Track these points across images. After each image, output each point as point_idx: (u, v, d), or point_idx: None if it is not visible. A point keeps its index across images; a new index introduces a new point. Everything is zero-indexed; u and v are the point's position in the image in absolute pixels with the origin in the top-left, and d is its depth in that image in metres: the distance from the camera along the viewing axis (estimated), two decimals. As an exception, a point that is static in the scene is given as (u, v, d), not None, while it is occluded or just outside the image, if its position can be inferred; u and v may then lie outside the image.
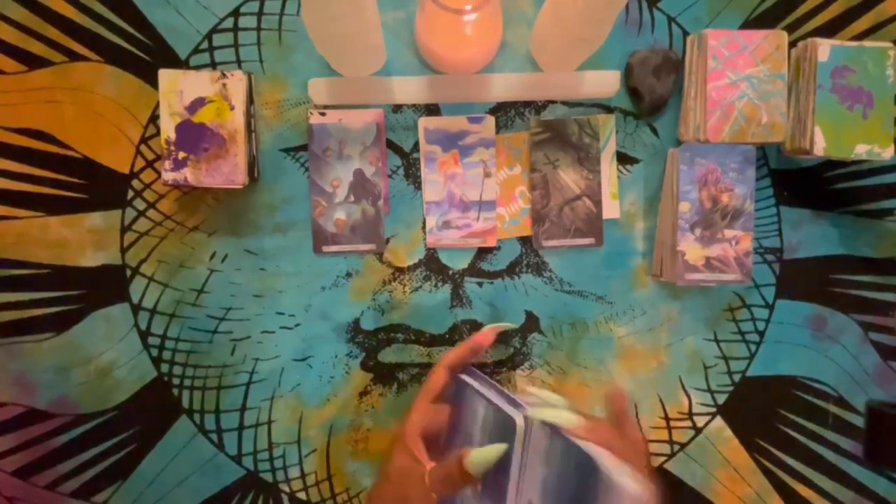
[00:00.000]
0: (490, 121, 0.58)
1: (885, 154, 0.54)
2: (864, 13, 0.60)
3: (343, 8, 0.44)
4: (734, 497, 0.62)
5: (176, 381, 0.59)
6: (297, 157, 0.59)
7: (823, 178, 0.61)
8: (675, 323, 0.61)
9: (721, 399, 0.61)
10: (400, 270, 0.59)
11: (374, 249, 0.59)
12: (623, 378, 0.61)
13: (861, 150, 0.54)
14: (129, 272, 0.58)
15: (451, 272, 0.60)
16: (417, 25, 0.53)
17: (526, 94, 0.58)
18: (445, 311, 0.60)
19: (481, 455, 0.40)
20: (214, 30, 0.57)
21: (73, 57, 0.57)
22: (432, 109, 0.59)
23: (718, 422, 0.61)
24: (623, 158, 0.60)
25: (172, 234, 0.58)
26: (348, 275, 0.59)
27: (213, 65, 0.58)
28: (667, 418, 0.61)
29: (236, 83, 0.54)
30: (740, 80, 0.55)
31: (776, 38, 0.55)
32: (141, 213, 0.58)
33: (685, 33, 0.59)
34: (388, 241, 0.59)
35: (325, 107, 0.58)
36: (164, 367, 0.59)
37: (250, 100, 0.56)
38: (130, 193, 0.58)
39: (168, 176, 0.54)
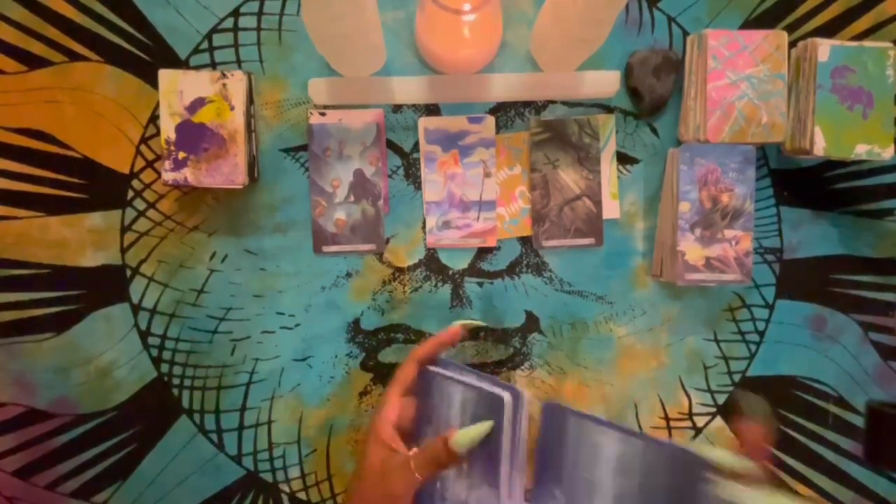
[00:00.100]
0: (490, 121, 0.58)
1: (885, 154, 0.54)
2: (864, 13, 0.60)
3: (343, 8, 0.44)
4: (734, 497, 0.62)
5: (176, 381, 0.59)
6: (297, 157, 0.59)
7: (823, 178, 0.61)
8: (675, 323, 0.61)
9: (721, 399, 0.61)
10: (400, 270, 0.59)
11: (374, 249, 0.59)
12: (623, 378, 0.61)
13: (861, 150, 0.54)
14: (129, 272, 0.58)
15: (451, 272, 0.60)
16: (417, 25, 0.53)
17: (526, 94, 0.58)
18: (445, 311, 0.60)
19: (467, 434, 0.42)
20: (214, 30, 0.57)
21: (73, 57, 0.57)
22: (432, 109, 0.59)
23: (718, 422, 0.61)
24: (623, 158, 0.60)
25: (172, 234, 0.58)
26: (348, 275, 0.59)
27: (213, 65, 0.58)
28: (667, 418, 0.61)
29: (236, 83, 0.54)
30: (740, 80, 0.55)
31: (776, 38, 0.55)
32: (141, 213, 0.58)
33: (685, 33, 0.59)
34: (388, 241, 0.59)
35: (325, 107, 0.58)
36: (164, 367, 0.59)
37: (250, 100, 0.56)
38: (130, 193, 0.58)
39: (168, 176, 0.54)
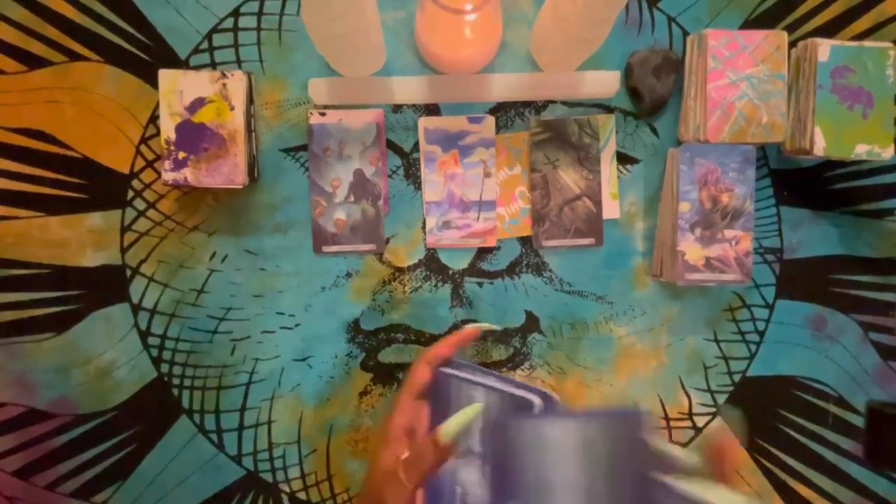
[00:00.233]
0: (490, 121, 0.58)
1: (885, 154, 0.54)
2: (864, 13, 0.60)
3: (343, 8, 0.44)
4: (734, 497, 0.62)
5: (176, 381, 0.59)
6: (297, 157, 0.59)
7: (823, 178, 0.61)
8: (675, 323, 0.61)
9: (721, 399, 0.61)
10: (400, 270, 0.59)
11: (374, 249, 0.59)
12: (623, 378, 0.61)
13: (861, 150, 0.54)
14: (129, 272, 0.58)
15: (451, 272, 0.60)
16: (417, 25, 0.53)
17: (526, 94, 0.58)
18: (445, 311, 0.60)
19: (455, 422, 0.40)
20: (214, 30, 0.57)
21: (73, 57, 0.57)
22: (432, 109, 0.59)
23: (718, 422, 0.61)
24: (623, 158, 0.60)
25: (172, 234, 0.58)
26: (348, 275, 0.59)
27: (213, 65, 0.58)
28: (667, 418, 0.61)
29: (236, 83, 0.54)
30: (740, 80, 0.55)
31: (776, 38, 0.55)
32: (141, 213, 0.58)
33: (685, 33, 0.59)
34: (388, 241, 0.59)
35: (325, 107, 0.58)
36: (164, 367, 0.59)
37: (250, 100, 0.56)
38: (130, 193, 0.58)
39: (168, 176, 0.54)
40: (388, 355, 0.60)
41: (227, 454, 0.60)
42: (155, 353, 0.59)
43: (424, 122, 0.58)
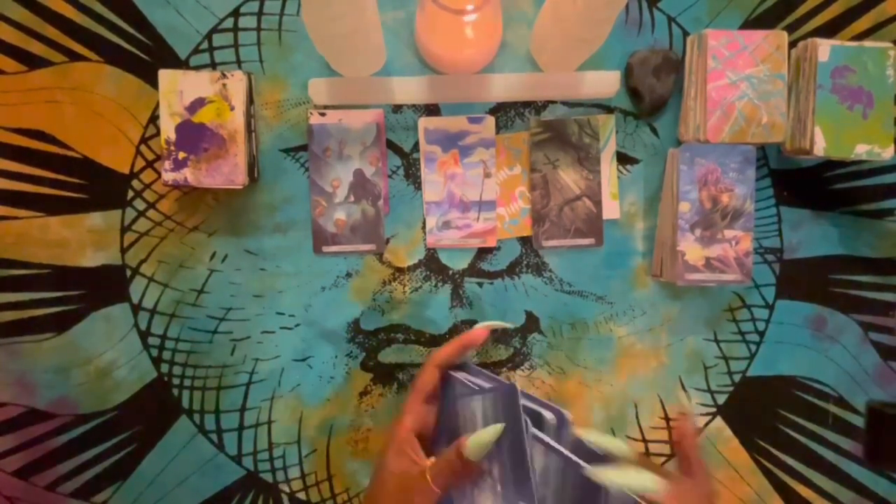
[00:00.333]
0: (490, 121, 0.58)
1: (885, 154, 0.54)
2: (864, 13, 0.60)
3: (343, 8, 0.44)
4: (734, 497, 0.62)
5: (176, 381, 0.59)
6: (297, 157, 0.59)
7: (823, 178, 0.61)
8: (675, 323, 0.61)
9: (721, 399, 0.61)
10: (400, 270, 0.59)
11: (374, 249, 0.59)
12: (623, 378, 0.61)
13: (861, 150, 0.54)
14: (129, 272, 0.58)
15: (451, 272, 0.60)
16: (417, 25, 0.53)
17: (526, 94, 0.58)
18: (445, 311, 0.60)
19: (478, 439, 0.41)
20: (214, 30, 0.57)
21: (73, 57, 0.57)
22: (432, 109, 0.59)
23: (718, 422, 0.61)
24: (623, 158, 0.60)
25: (172, 234, 0.58)
26: (348, 275, 0.59)
27: (213, 65, 0.58)
28: (667, 418, 0.61)
29: (236, 83, 0.54)
30: (740, 80, 0.55)
31: (776, 38, 0.55)
32: (141, 214, 0.58)
33: (685, 33, 0.59)
34: (388, 241, 0.59)
35: (325, 107, 0.58)
36: (164, 368, 0.59)
37: (250, 100, 0.56)
38: (130, 193, 0.58)
39: (168, 176, 0.54)
40: (388, 355, 0.60)
41: (227, 454, 0.60)
42: (155, 353, 0.59)
43: (424, 122, 0.58)
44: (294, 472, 0.60)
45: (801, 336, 0.61)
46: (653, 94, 0.58)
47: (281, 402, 0.59)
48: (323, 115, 0.58)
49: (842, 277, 0.61)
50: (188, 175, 0.54)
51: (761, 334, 0.61)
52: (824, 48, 0.54)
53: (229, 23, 0.57)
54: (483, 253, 0.60)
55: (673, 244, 0.56)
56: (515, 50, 0.58)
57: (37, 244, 0.58)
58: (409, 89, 0.57)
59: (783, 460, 0.62)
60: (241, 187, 0.55)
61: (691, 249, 0.55)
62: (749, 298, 0.61)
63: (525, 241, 0.60)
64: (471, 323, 0.59)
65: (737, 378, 0.61)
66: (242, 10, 0.57)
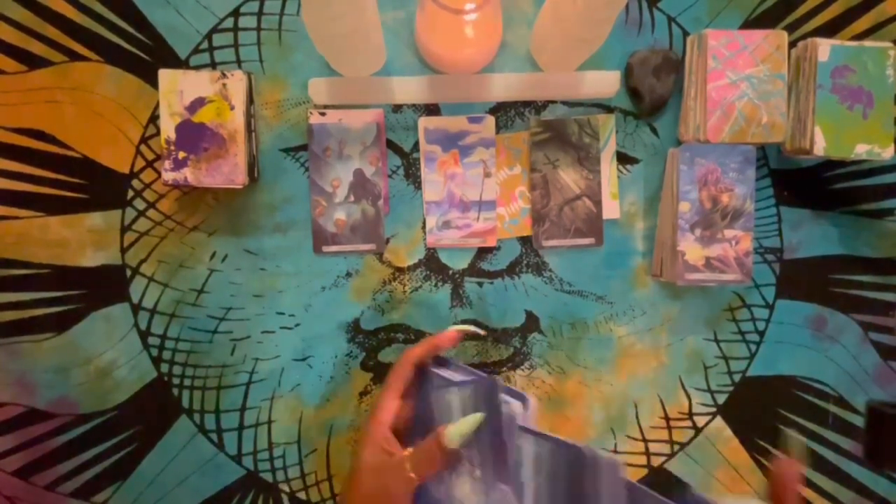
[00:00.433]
0: (490, 121, 0.58)
1: (885, 154, 0.54)
2: (864, 13, 0.60)
3: (343, 8, 0.44)
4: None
5: (176, 381, 0.59)
6: (297, 157, 0.59)
7: (823, 178, 0.61)
8: (675, 323, 0.61)
9: (721, 399, 0.61)
10: (400, 270, 0.59)
11: (374, 249, 0.59)
12: (623, 378, 0.61)
13: (861, 150, 0.54)
14: (129, 272, 0.58)
15: (451, 272, 0.60)
16: (417, 25, 0.53)
17: (526, 94, 0.58)
18: (445, 311, 0.60)
19: (458, 428, 0.42)
20: (214, 30, 0.57)
21: (73, 57, 0.57)
22: (432, 109, 0.59)
23: (718, 422, 0.61)
24: (623, 158, 0.60)
25: (172, 234, 0.58)
26: (348, 275, 0.59)
27: (213, 65, 0.58)
28: (667, 418, 0.61)
29: (236, 83, 0.54)
30: (740, 80, 0.55)
31: (776, 38, 0.55)
32: (141, 213, 0.58)
33: (685, 33, 0.59)
34: (388, 241, 0.59)
35: (325, 107, 0.58)
36: (164, 367, 0.59)
37: (250, 100, 0.56)
38: (130, 193, 0.58)
39: (168, 176, 0.54)
40: (388, 355, 0.60)
41: (227, 454, 0.60)
42: (155, 352, 0.59)
43: (424, 122, 0.58)
44: (294, 472, 0.60)
45: (801, 336, 0.61)
46: (653, 94, 0.58)
47: (281, 402, 0.59)
48: (323, 114, 0.58)
49: (842, 277, 0.61)
50: (188, 175, 0.54)
51: (761, 334, 0.61)
52: (824, 48, 0.54)
53: (229, 23, 0.57)
54: (483, 253, 0.60)
55: (673, 244, 0.56)
56: (515, 50, 0.58)
57: (37, 244, 0.58)
58: (409, 89, 0.57)
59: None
60: (241, 187, 0.55)
61: (691, 249, 0.55)
62: (749, 298, 0.61)
63: (525, 240, 0.60)
64: (471, 323, 0.59)
65: (737, 378, 0.61)
66: (242, 9, 0.57)
